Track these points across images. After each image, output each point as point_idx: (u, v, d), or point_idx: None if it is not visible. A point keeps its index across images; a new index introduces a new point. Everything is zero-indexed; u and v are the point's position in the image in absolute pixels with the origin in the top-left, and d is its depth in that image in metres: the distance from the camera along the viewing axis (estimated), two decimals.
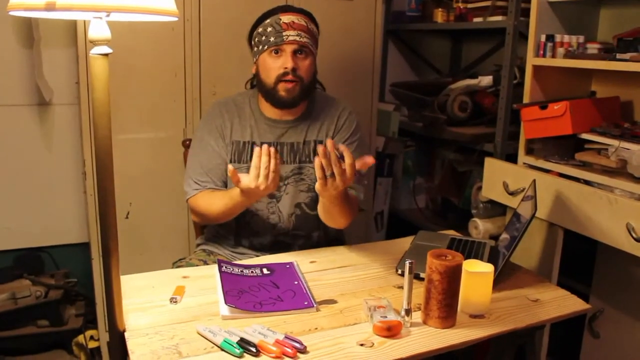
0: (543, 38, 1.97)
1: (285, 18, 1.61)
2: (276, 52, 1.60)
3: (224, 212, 1.62)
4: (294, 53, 1.60)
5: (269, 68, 1.61)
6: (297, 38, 1.59)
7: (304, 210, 1.72)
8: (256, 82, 1.70)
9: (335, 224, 1.65)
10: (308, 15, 1.67)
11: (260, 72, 1.65)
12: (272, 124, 1.70)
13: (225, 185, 1.70)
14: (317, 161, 1.35)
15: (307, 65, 1.63)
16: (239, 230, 1.73)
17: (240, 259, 1.67)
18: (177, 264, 1.70)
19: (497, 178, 2.05)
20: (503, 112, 2.26)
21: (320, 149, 1.34)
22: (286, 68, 1.59)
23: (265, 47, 1.61)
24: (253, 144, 1.68)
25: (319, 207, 1.63)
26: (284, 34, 1.59)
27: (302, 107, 1.71)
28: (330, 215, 1.61)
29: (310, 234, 1.75)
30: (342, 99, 1.82)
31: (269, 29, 1.61)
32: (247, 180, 1.43)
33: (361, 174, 1.56)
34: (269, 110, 1.70)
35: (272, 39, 1.60)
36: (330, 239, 1.81)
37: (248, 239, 1.73)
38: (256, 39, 1.65)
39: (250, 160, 1.64)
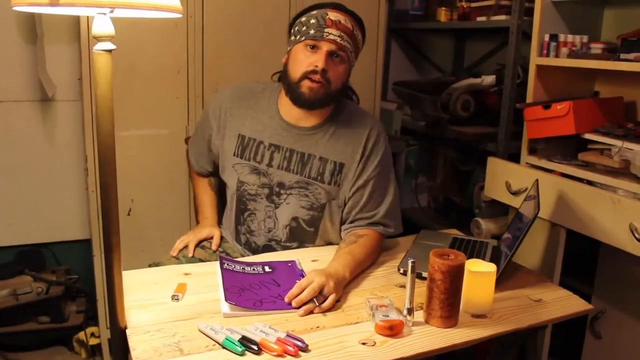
0: (547, 37, 1.96)
1: (333, 15, 1.51)
2: (312, 47, 1.50)
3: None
4: (330, 54, 1.50)
5: (300, 61, 1.51)
6: (338, 39, 1.49)
7: (300, 225, 1.62)
8: (282, 73, 1.60)
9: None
10: (358, 22, 1.57)
11: (290, 63, 1.55)
12: (286, 127, 1.60)
13: (213, 166, 1.75)
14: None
15: (340, 71, 1.53)
16: (238, 226, 1.70)
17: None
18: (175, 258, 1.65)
19: (500, 177, 2.04)
20: (506, 111, 2.26)
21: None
22: (316, 66, 1.49)
23: (303, 38, 1.51)
24: (260, 143, 1.61)
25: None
26: (325, 30, 1.49)
27: (322, 114, 1.60)
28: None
29: (303, 245, 1.66)
30: (371, 115, 1.75)
31: (312, 21, 1.51)
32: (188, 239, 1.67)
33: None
34: (287, 113, 1.60)
35: (312, 31, 1.50)
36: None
37: (245, 235, 1.69)
38: (296, 28, 1.55)
39: (254, 159, 1.61)
